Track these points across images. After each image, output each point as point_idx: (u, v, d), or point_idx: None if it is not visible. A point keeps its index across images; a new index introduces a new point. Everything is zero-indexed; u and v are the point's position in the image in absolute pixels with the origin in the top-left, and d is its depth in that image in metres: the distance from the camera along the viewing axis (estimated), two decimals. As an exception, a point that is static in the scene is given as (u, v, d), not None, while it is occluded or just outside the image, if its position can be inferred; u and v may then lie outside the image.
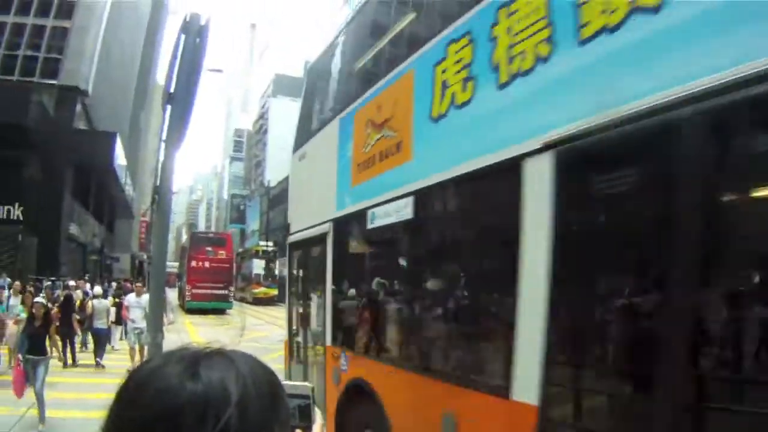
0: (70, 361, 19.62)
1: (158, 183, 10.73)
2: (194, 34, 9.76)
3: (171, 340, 19.31)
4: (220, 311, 44.86)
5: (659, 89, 3.74)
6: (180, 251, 69.49)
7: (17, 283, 23.83)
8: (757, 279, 3.67)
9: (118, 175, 57.75)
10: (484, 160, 5.55)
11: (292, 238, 12.29)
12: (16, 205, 42.86)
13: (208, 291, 43.82)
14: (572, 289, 4.74)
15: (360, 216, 8.42)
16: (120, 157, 55.74)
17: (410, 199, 6.95)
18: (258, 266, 66.00)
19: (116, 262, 69.07)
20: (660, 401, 3.75)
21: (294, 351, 11.98)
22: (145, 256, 72.81)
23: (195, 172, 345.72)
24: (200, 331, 32.26)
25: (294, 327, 12.29)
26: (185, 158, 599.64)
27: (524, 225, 4.89)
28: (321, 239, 9.96)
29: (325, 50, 12.05)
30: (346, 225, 9.29)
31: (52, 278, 34.79)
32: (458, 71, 6.14)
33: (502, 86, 5.39)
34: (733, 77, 3.26)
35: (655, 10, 3.86)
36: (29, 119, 40.38)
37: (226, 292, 47.35)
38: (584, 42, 4.44)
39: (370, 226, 8.13)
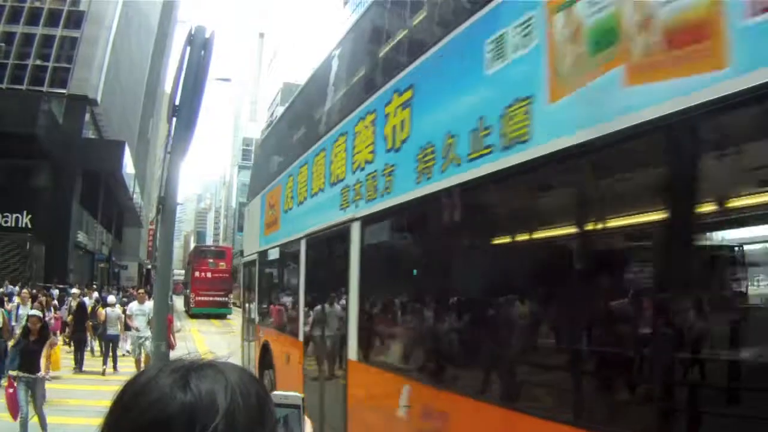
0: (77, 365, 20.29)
1: (163, 194, 10.91)
2: (199, 46, 9.92)
3: (177, 348, 19.61)
4: (221, 316, 48.47)
5: (331, 218, 9.25)
6: (186, 261, 71.80)
7: (25, 291, 23.74)
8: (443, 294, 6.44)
9: (126, 184, 57.89)
10: (295, 236, 11.69)
11: (243, 260, 20.07)
12: (25, 213, 42.99)
13: (210, 298, 47.29)
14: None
15: (265, 252, 15.30)
16: (128, 166, 55.90)
17: (278, 249, 13.82)
18: None
19: (124, 270, 69.16)
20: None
21: (245, 331, 18.40)
22: (150, 265, 72.51)
23: (203, 180, 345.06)
24: (206, 340, 32.23)
25: (245, 317, 19.09)
26: (193, 167, 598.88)
27: (301, 267, 11.22)
28: (253, 263, 17.01)
29: (261, 140, 21.15)
30: (262, 256, 15.84)
31: (60, 286, 34.78)
32: (288, 194, 12.78)
33: (299, 204, 11.72)
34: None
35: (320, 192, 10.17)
36: (38, 128, 40.54)
37: (226, 299, 51.72)
38: (314, 195, 10.56)
39: (268, 258, 15.16)
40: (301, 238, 11.13)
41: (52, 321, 21.17)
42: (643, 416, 3.90)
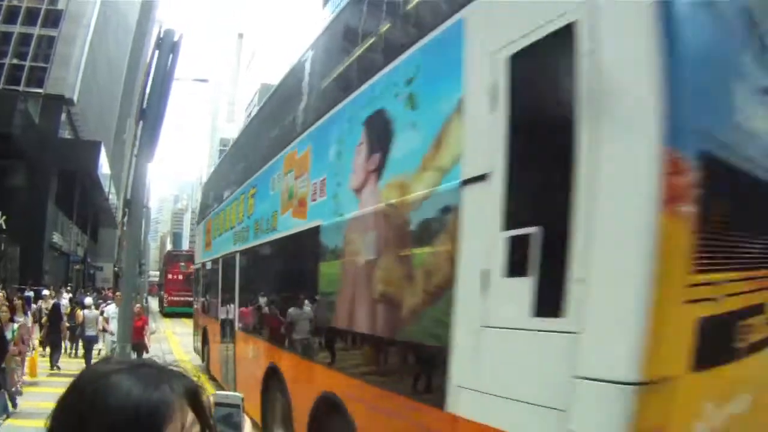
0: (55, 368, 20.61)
1: (129, 196, 10.87)
2: (167, 49, 9.82)
3: (151, 350, 19.79)
4: (191, 314, 49.97)
5: (222, 252, 16.51)
6: (161, 263, 73.15)
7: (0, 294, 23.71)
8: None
9: (102, 184, 57.38)
10: (217, 256, 17.39)
11: (194, 267, 25.73)
12: (-1, 213, 42.23)
13: (182, 298, 48.54)
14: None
15: (203, 263, 20.85)
16: (104, 166, 55.39)
17: (210, 262, 18.93)
18: None
19: (99, 271, 68.69)
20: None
21: (196, 321, 24.04)
22: (117, 267, 72.02)
23: (180, 181, 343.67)
24: (181, 341, 32.20)
25: (195, 310, 24.71)
26: (170, 167, 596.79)
27: (219, 276, 17.13)
28: (198, 270, 23.03)
29: (204, 183, 31.34)
30: (202, 266, 21.41)
31: (34, 288, 34.43)
32: (214, 226, 18.39)
33: (219, 235, 17.40)
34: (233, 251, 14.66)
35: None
36: (14, 127, 40.15)
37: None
38: (224, 232, 16.53)
39: (206, 268, 20.34)
40: (219, 258, 17.31)
41: (29, 325, 21.08)
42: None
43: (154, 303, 58.21)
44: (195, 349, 23.93)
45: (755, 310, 4.49)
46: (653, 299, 3.29)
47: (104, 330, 20.84)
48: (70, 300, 29.48)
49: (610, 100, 3.62)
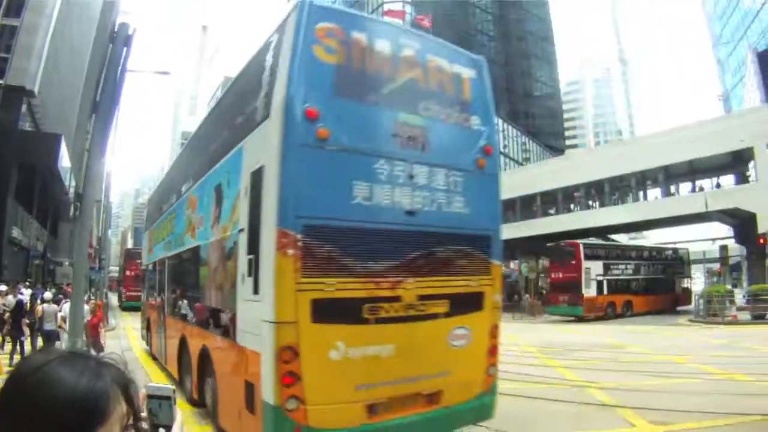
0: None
1: (81, 191, 10.32)
2: (121, 43, 9.35)
3: (111, 346, 20.11)
4: None
5: (157, 257, 21.34)
6: (121, 259, 77.56)
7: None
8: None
9: (63, 178, 56.45)
10: (154, 260, 22.26)
11: (143, 267, 28.27)
12: (-43, 207, 41.21)
13: (138, 293, 48.57)
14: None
15: (147, 265, 24.93)
16: (65, 159, 54.49)
17: (151, 264, 23.40)
18: None
19: (60, 267, 67.43)
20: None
21: (143, 313, 27.10)
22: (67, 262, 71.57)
23: (142, 175, 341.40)
24: (139, 336, 32.09)
25: (143, 305, 27.33)
26: (132, 161, 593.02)
27: (156, 275, 21.60)
28: (145, 270, 26.37)
29: (148, 199, 32.53)
30: (147, 266, 25.07)
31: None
32: (154, 236, 23.15)
33: (156, 244, 22.30)
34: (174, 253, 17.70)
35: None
36: (-27, 120, 39.16)
37: None
38: (158, 242, 21.95)
39: (149, 268, 24.09)
40: (155, 261, 21.67)
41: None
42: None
43: (113, 298, 64.68)
44: (141, 336, 26.88)
45: (364, 299, 8.63)
46: (279, 289, 7.91)
47: (61, 328, 20.67)
48: (32, 296, 29.94)
49: (265, 201, 8.56)
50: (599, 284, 51.91)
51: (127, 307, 55.90)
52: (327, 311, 8.33)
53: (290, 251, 8.00)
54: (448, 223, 9.89)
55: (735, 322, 38.69)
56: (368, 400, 8.73)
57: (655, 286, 57.69)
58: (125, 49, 9.40)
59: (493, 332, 10.44)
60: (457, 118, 10.57)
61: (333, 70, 9.04)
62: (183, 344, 15.08)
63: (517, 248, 72.76)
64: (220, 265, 11.33)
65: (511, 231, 67.51)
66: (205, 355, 12.39)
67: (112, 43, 9.29)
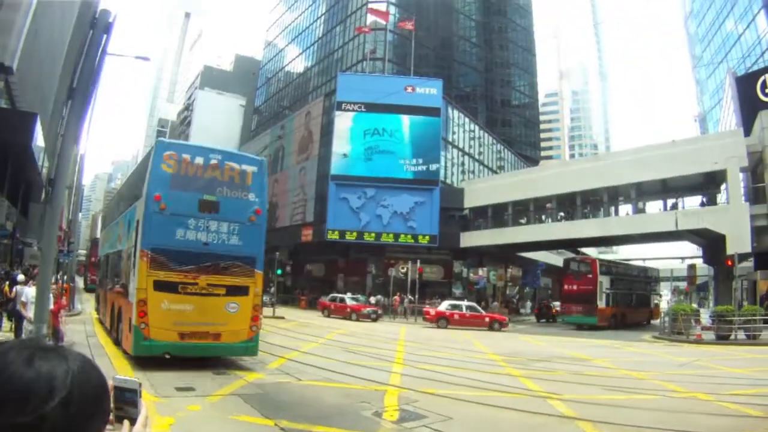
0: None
1: (53, 176, 10.12)
2: (101, 30, 9.24)
3: (76, 331, 20.23)
4: None
5: (106, 251, 33.42)
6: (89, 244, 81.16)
7: None
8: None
9: (36, 157, 55.83)
10: (104, 254, 34.12)
11: (99, 257, 40.98)
12: (-75, 183, 40.67)
13: None
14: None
15: (100, 256, 38.48)
16: (39, 139, 53.90)
17: (102, 256, 35.27)
18: None
19: (29, 247, 66.79)
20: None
21: (96, 292, 37.69)
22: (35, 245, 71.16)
23: (116, 160, 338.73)
24: None
25: (97, 286, 39.05)
26: (106, 146, 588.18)
27: (108, 265, 30.24)
28: (99, 260, 41.67)
29: (108, 203, 61.61)
30: (102, 257, 35.71)
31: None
32: (108, 234, 33.08)
33: (106, 242, 34.70)
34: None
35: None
36: (-55, 93, 38.67)
37: None
38: (109, 240, 32.06)
39: (101, 260, 37.32)
40: (103, 254, 32.75)
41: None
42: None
43: (80, 282, 65.87)
44: (94, 307, 38.23)
45: (178, 282, 18.68)
46: (140, 274, 18.47)
47: (21, 316, 20.29)
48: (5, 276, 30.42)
49: (139, 235, 19.89)
50: (607, 297, 57.09)
51: (91, 289, 61.07)
52: (160, 286, 18.44)
53: (145, 258, 18.45)
54: (228, 250, 19.80)
55: (699, 341, 38.93)
56: (180, 330, 18.41)
57: (640, 301, 66.32)
58: (105, 36, 9.23)
59: (255, 308, 20.20)
60: (240, 195, 20.47)
61: (170, 175, 19.21)
62: (112, 307, 25.36)
63: (485, 255, 72.90)
64: (126, 262, 22.08)
65: (480, 238, 67.76)
66: (118, 310, 23.05)
67: (93, 29, 9.12)
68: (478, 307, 52.66)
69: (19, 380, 1.56)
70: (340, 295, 59.29)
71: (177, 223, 19.04)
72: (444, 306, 52.26)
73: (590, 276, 57.48)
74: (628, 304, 62.11)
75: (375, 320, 53.74)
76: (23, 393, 1.55)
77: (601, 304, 56.32)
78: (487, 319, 50.26)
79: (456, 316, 49.95)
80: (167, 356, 18.65)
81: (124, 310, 20.93)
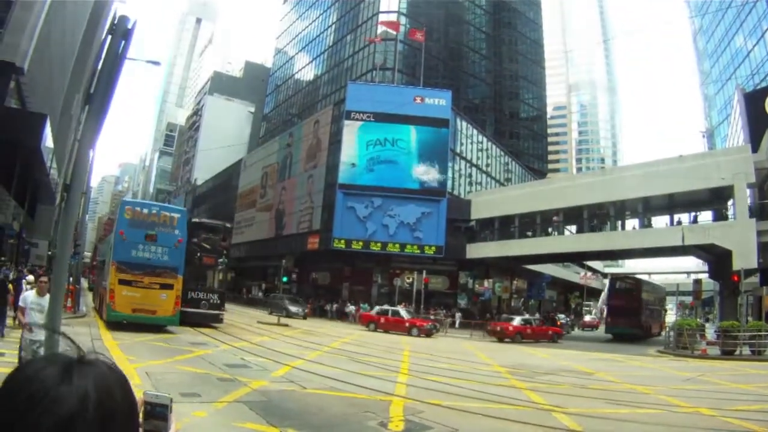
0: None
1: (69, 181, 10.13)
2: (120, 36, 9.26)
3: (81, 332, 19.68)
4: None
5: (100, 258, 56.55)
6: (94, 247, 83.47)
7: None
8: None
9: (45, 159, 56.01)
10: (98, 260, 57.13)
11: (97, 262, 60.45)
12: (-66, 182, 40.83)
13: None
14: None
15: (98, 261, 57.84)
16: (48, 140, 54.08)
17: (98, 261, 55.35)
18: None
19: (35, 248, 67.07)
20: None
21: (94, 288, 54.51)
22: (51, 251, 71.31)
23: (123, 162, 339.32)
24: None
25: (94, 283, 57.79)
26: (115, 149, 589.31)
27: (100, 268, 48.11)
28: (96, 263, 61.63)
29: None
30: (97, 262, 56.39)
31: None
32: (99, 249, 64.44)
33: (101, 254, 56.57)
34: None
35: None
36: (-43, 92, 38.75)
37: None
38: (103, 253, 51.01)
39: (98, 263, 55.89)
40: (98, 260, 54.58)
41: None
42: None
43: (85, 283, 68.80)
44: (93, 300, 49.57)
45: (131, 280, 32.78)
46: (111, 276, 32.96)
47: (20, 323, 16.18)
48: (16, 279, 33.52)
49: (111, 252, 36.95)
50: (645, 312, 66.93)
51: (92, 288, 65.16)
52: (122, 282, 32.24)
53: (114, 266, 32.84)
54: (162, 263, 33.47)
55: (704, 356, 38.82)
56: (132, 307, 32.04)
57: (658, 315, 75.66)
58: (123, 42, 9.28)
59: (177, 298, 33.56)
60: (169, 231, 34.17)
61: (128, 219, 33.79)
62: (100, 294, 39.46)
63: (491, 267, 72.77)
64: (107, 267, 35.33)
65: (486, 250, 67.73)
66: (101, 296, 38.36)
67: (111, 35, 9.18)
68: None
69: (54, 398, 1.52)
70: (391, 308, 54.95)
71: (132, 246, 33.42)
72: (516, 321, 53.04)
73: (635, 293, 66.44)
74: (653, 317, 71.61)
75: (429, 335, 51.20)
76: (57, 411, 1.50)
77: (643, 317, 65.50)
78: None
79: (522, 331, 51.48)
80: (125, 322, 31.61)
81: (103, 295, 36.43)
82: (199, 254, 38.73)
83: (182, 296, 34.60)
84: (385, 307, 55.82)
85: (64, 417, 1.50)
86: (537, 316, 57.87)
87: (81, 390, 1.56)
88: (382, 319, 52.16)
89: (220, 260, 40.82)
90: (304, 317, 62.13)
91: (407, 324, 50.84)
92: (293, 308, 63.36)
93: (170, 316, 33.36)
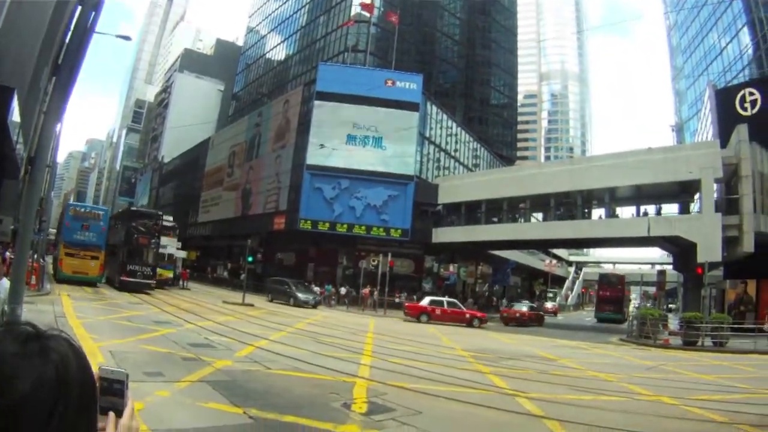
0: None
1: (33, 153, 9.90)
2: (90, 7, 9.03)
3: (45, 310, 19.09)
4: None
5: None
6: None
7: None
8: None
9: (11, 132, 55.34)
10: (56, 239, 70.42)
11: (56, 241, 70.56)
12: None
13: None
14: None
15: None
16: (15, 114, 53.39)
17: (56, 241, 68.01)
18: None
19: (-1, 224, 66.48)
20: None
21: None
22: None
23: (91, 138, 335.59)
24: (75, 305, 31.38)
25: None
26: (79, 123, 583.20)
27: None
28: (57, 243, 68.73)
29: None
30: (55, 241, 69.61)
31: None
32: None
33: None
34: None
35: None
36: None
37: None
38: None
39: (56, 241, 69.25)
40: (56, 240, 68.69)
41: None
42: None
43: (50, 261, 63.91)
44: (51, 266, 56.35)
45: (73, 253, 50.33)
46: (60, 249, 53.60)
47: None
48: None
49: None
50: (626, 301, 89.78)
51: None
52: (66, 254, 50.38)
53: (61, 244, 52.70)
54: (91, 242, 50.87)
55: (666, 345, 39.14)
56: (73, 270, 49.72)
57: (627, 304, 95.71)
58: (93, 13, 9.03)
59: (101, 265, 51.23)
60: (96, 222, 52.61)
61: (72, 215, 53.02)
62: (54, 263, 55.32)
63: (457, 252, 72.97)
64: (58, 245, 58.40)
65: (453, 235, 67.85)
66: (55, 263, 54.86)
67: (81, 5, 8.94)
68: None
69: (9, 374, 1.50)
70: (445, 299, 53.99)
71: (73, 231, 50.23)
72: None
73: (620, 287, 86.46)
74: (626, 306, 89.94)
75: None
76: (10, 380, 1.49)
77: (624, 306, 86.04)
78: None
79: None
80: (68, 280, 47.81)
81: (57, 262, 52.67)
82: (135, 235, 53.84)
83: (122, 269, 50.87)
84: (437, 297, 55.29)
85: (21, 392, 1.48)
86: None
87: (37, 364, 1.55)
88: (438, 311, 51.44)
89: (153, 240, 54.92)
90: (315, 306, 56.40)
91: (468, 315, 51.37)
92: (302, 295, 57.08)
93: (97, 276, 51.65)
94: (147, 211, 69.24)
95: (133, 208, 70.90)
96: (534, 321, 59.40)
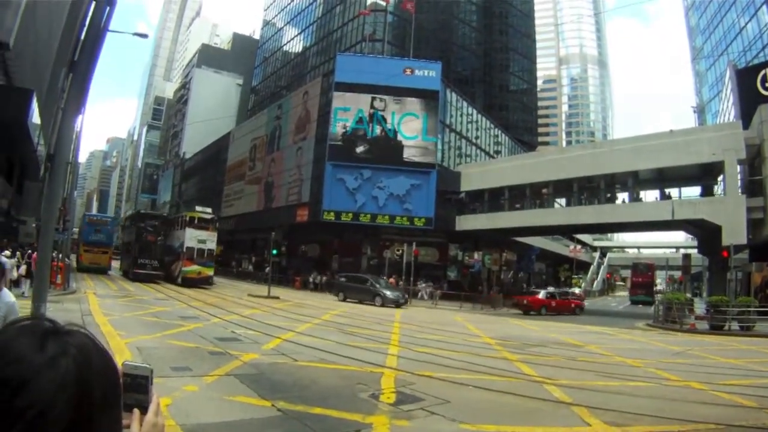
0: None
1: (53, 151, 9.89)
2: (105, 3, 9.00)
3: (72, 309, 19.22)
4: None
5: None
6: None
7: None
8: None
9: (31, 135, 55.51)
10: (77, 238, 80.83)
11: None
12: None
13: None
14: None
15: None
16: (35, 116, 53.53)
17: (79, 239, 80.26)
18: (192, 238, 58.68)
19: (23, 225, 66.87)
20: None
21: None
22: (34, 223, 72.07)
23: (112, 137, 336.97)
24: (101, 303, 31.61)
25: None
26: (105, 123, 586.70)
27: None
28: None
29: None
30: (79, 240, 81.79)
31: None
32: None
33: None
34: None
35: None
36: (-58, 68, 38.31)
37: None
38: None
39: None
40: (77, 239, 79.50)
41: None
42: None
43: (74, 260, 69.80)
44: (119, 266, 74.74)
45: (88, 249, 70.76)
46: (80, 247, 73.26)
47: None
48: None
49: None
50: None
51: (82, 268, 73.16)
52: (85, 251, 70.33)
53: (82, 243, 71.91)
54: (103, 242, 71.38)
55: (693, 330, 38.86)
56: (90, 262, 68.44)
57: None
58: (108, 9, 9.02)
59: (110, 258, 72.23)
60: (106, 227, 74.58)
61: (88, 222, 75.65)
62: (78, 257, 72.17)
63: (481, 239, 72.79)
64: (79, 244, 74.14)
65: (476, 222, 67.75)
66: (77, 257, 71.60)
67: (96, 2, 8.94)
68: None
69: (35, 368, 1.47)
70: (558, 290, 61.31)
71: (90, 234, 70.67)
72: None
73: (650, 273, 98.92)
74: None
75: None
76: (27, 378, 1.44)
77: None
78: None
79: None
80: (86, 269, 64.98)
81: (78, 257, 69.78)
82: (144, 234, 61.73)
83: (134, 263, 60.04)
84: (550, 289, 60.05)
85: (40, 391, 1.45)
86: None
87: (57, 360, 1.51)
88: (553, 302, 54.27)
89: (159, 238, 62.95)
90: (400, 305, 49.98)
91: (573, 305, 56.73)
92: (390, 293, 50.78)
93: (106, 266, 69.63)
94: (154, 213, 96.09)
95: (142, 211, 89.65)
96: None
